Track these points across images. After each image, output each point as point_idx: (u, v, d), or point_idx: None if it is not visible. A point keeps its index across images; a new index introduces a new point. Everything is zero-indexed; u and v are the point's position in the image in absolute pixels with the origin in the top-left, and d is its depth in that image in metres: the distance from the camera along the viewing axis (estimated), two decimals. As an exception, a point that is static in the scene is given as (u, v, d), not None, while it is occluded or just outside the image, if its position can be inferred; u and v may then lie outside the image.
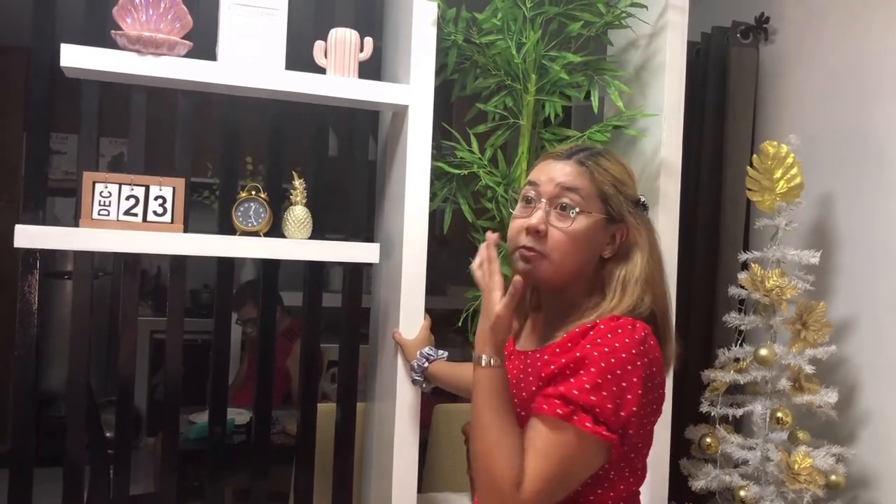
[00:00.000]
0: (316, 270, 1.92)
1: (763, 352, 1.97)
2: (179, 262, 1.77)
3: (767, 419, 1.98)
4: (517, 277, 1.05)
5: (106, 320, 3.97)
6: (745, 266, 2.11)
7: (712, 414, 2.06)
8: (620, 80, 1.88)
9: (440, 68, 1.85)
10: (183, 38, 1.63)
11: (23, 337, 1.65)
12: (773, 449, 1.95)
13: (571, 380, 1.03)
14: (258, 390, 1.89)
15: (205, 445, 1.92)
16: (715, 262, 2.47)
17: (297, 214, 1.76)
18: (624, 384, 1.02)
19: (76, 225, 1.61)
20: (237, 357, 3.66)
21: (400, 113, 1.82)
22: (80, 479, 1.71)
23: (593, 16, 1.84)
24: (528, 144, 1.86)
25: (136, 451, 3.37)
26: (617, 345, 1.04)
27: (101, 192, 1.62)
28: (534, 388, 1.11)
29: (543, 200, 1.14)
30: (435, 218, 1.80)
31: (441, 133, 1.96)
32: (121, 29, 1.59)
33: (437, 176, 1.87)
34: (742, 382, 2.03)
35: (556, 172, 1.15)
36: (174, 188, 1.67)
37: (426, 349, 1.68)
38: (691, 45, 2.18)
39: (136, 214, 1.64)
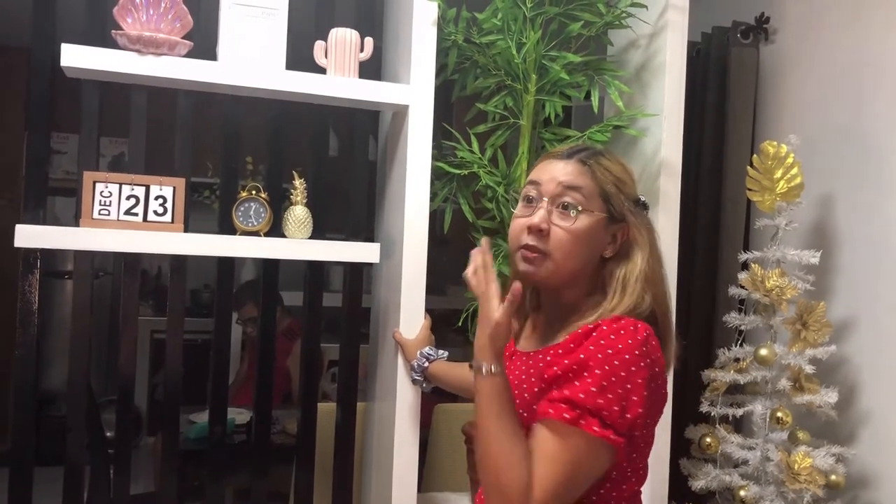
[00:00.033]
0: (316, 270, 1.92)
1: (763, 352, 1.97)
2: (180, 262, 1.77)
3: (767, 419, 1.98)
4: (516, 283, 1.04)
5: (106, 320, 3.98)
6: (745, 266, 2.11)
7: (712, 414, 2.06)
8: (621, 80, 1.88)
9: (440, 68, 1.85)
10: (183, 37, 1.63)
11: (23, 336, 1.65)
12: (773, 449, 1.95)
13: (576, 383, 1.02)
14: (258, 390, 1.89)
15: (205, 445, 1.92)
16: (715, 262, 2.47)
17: (298, 214, 1.77)
18: (629, 386, 1.02)
19: (77, 225, 1.61)
20: (237, 357, 3.66)
21: (400, 113, 1.82)
22: (81, 478, 1.71)
23: (593, 16, 1.84)
24: (528, 144, 1.87)
25: (136, 451, 3.38)
26: (620, 346, 1.03)
27: (102, 191, 1.62)
28: (536, 390, 1.10)
29: (545, 199, 1.14)
30: (435, 218, 1.80)
31: (441, 133, 1.96)
32: (121, 29, 1.59)
33: (437, 176, 1.87)
34: (742, 382, 2.03)
35: (557, 171, 1.15)
36: (174, 188, 1.67)
37: (426, 349, 1.68)
38: (691, 45, 2.18)
39: (136, 214, 1.64)
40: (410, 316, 1.74)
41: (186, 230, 1.69)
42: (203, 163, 2.62)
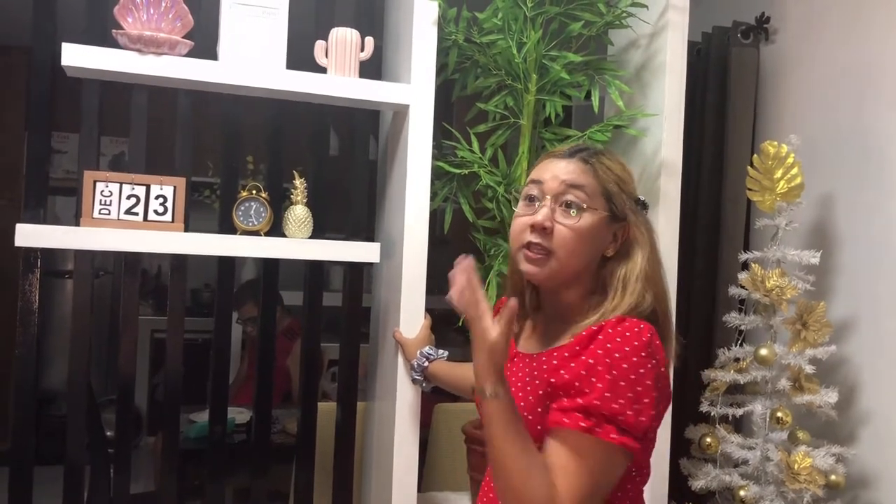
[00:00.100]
0: (316, 270, 1.92)
1: (763, 352, 1.97)
2: (180, 262, 1.77)
3: (767, 419, 1.98)
4: (512, 300, 1.02)
5: (106, 319, 3.98)
6: (745, 266, 2.11)
7: (712, 414, 2.06)
8: (621, 79, 1.88)
9: (441, 68, 1.85)
10: (184, 37, 1.64)
11: (23, 336, 1.65)
12: (773, 449, 1.95)
13: (586, 390, 1.02)
14: (258, 389, 1.89)
15: (205, 444, 1.92)
16: (715, 261, 2.47)
17: (298, 214, 1.77)
18: (639, 388, 1.02)
19: (77, 224, 1.61)
20: (237, 356, 3.66)
21: (401, 112, 1.82)
22: (81, 477, 1.71)
23: (594, 15, 1.84)
24: (528, 144, 1.87)
25: (136, 450, 3.38)
26: (627, 349, 1.03)
27: (102, 191, 1.62)
28: (540, 392, 1.10)
29: (548, 198, 1.14)
30: (435, 217, 1.80)
31: (442, 133, 1.96)
32: (122, 28, 1.59)
33: (437, 175, 1.87)
34: (742, 382, 2.03)
35: (559, 170, 1.15)
36: (175, 187, 1.67)
37: (426, 348, 1.68)
38: (692, 45, 2.19)
39: (136, 213, 1.64)
40: (410, 315, 1.74)
41: (187, 230, 1.69)
42: (203, 162, 2.62)
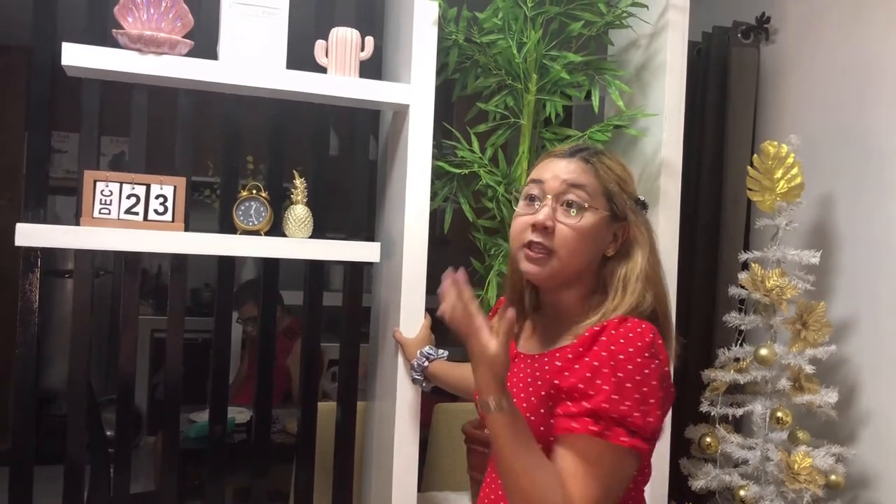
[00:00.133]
0: (316, 269, 1.92)
1: (763, 352, 1.97)
2: (180, 261, 1.77)
3: (767, 419, 1.98)
4: (510, 311, 1.00)
5: (107, 319, 3.98)
6: (745, 266, 2.11)
7: (712, 413, 2.06)
8: (621, 79, 1.88)
9: (441, 68, 1.85)
10: (184, 37, 1.64)
11: (24, 335, 1.65)
12: (773, 449, 1.95)
13: (591, 392, 1.02)
14: (258, 389, 1.89)
15: (205, 444, 1.92)
16: (715, 261, 2.47)
17: (298, 213, 1.77)
18: (645, 389, 1.02)
19: (77, 223, 1.61)
20: (237, 356, 3.66)
21: (401, 112, 1.82)
22: (81, 477, 1.72)
23: (594, 15, 1.84)
24: (528, 144, 1.87)
25: (136, 450, 3.39)
26: (631, 350, 1.03)
27: (102, 190, 1.62)
28: (543, 394, 1.10)
29: (549, 197, 1.13)
30: (435, 217, 1.80)
31: (442, 132, 1.96)
32: (122, 28, 1.59)
33: (437, 175, 1.87)
34: (742, 382, 2.03)
35: (560, 170, 1.15)
36: (175, 187, 1.67)
37: (426, 348, 1.68)
38: (692, 45, 2.19)
39: (136, 213, 1.64)
40: (410, 315, 1.74)
41: (187, 229, 1.69)
42: (204, 162, 2.62)
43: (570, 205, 1.13)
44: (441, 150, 1.94)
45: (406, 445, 1.73)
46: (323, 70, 1.74)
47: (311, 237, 1.77)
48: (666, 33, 1.91)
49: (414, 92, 1.75)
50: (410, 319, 1.74)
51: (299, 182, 1.79)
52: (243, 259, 3.74)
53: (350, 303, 1.90)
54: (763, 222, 2.10)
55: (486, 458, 1.30)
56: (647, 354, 1.04)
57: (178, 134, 1.79)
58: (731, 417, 2.06)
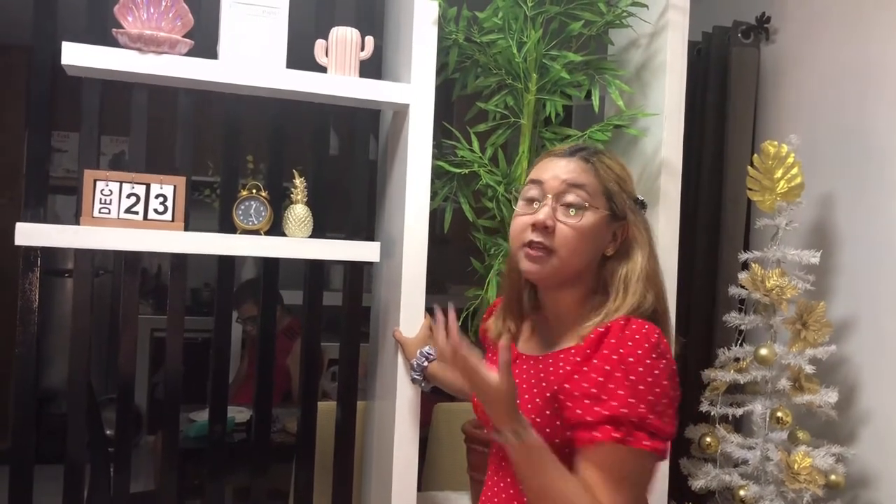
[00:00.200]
0: (316, 269, 1.92)
1: (763, 351, 1.97)
2: (180, 261, 1.77)
3: (767, 419, 1.98)
4: (502, 341, 1.01)
5: (106, 318, 3.98)
6: (745, 266, 2.11)
7: (712, 413, 2.06)
8: (621, 79, 1.88)
9: (441, 67, 1.85)
10: (184, 36, 1.63)
11: (23, 335, 1.65)
12: (773, 448, 1.95)
13: (604, 397, 1.02)
14: (258, 388, 1.89)
15: (205, 443, 1.92)
16: (715, 261, 2.47)
17: (298, 213, 1.77)
18: (657, 390, 1.03)
19: (77, 223, 1.61)
20: (237, 355, 3.66)
21: (401, 112, 1.82)
22: (81, 476, 1.72)
23: (594, 15, 1.84)
24: (528, 143, 1.87)
25: (136, 449, 3.38)
26: (639, 352, 1.03)
27: (102, 190, 1.62)
28: (548, 395, 1.10)
29: (549, 197, 1.13)
30: (435, 217, 1.80)
31: (442, 132, 1.96)
32: (122, 27, 1.59)
33: (437, 175, 1.87)
34: (742, 382, 2.03)
35: (560, 170, 1.15)
36: (175, 186, 1.67)
37: (426, 348, 1.68)
38: (692, 45, 2.18)
39: (136, 213, 1.64)
40: (410, 315, 1.74)
41: (187, 229, 1.69)
42: (203, 161, 2.62)
43: (570, 204, 1.13)
44: (441, 149, 1.94)
45: (406, 445, 1.73)
46: (323, 69, 1.74)
47: (310, 237, 1.77)
48: (666, 33, 1.91)
49: (414, 91, 1.75)
50: (410, 319, 1.74)
51: (299, 182, 1.79)
52: (243, 258, 3.74)
53: (350, 302, 1.90)
54: (763, 222, 2.10)
55: (485, 458, 1.30)
56: (654, 355, 1.04)
57: (178, 133, 1.79)
58: (731, 417, 2.06)
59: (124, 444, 1.77)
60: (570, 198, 1.13)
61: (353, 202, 1.94)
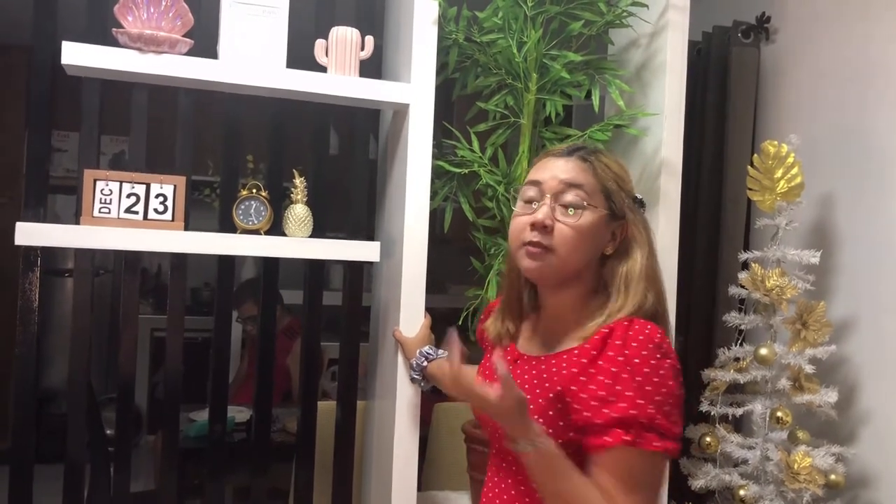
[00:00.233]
0: (316, 269, 1.92)
1: (763, 351, 1.97)
2: (180, 260, 1.77)
3: (767, 418, 1.98)
4: (496, 356, 1.01)
5: (106, 318, 3.98)
6: (745, 265, 2.11)
7: (712, 413, 2.06)
8: (621, 79, 1.88)
9: (441, 67, 1.85)
10: (184, 36, 1.63)
11: (23, 334, 1.65)
12: (773, 448, 1.95)
13: (611, 399, 1.02)
14: (258, 388, 1.89)
15: (205, 443, 1.92)
16: (715, 261, 2.47)
17: (298, 213, 1.77)
18: (664, 390, 1.03)
19: (77, 222, 1.61)
20: (237, 355, 3.66)
21: (401, 112, 1.82)
22: (81, 476, 1.72)
23: (594, 15, 1.84)
24: (528, 143, 1.87)
25: (136, 449, 3.38)
26: (644, 353, 1.04)
27: (102, 189, 1.62)
28: (551, 395, 1.09)
29: (548, 196, 1.14)
30: (435, 216, 1.80)
31: (442, 132, 1.96)
32: (122, 27, 1.59)
33: (437, 175, 1.87)
34: (742, 382, 2.03)
35: (558, 170, 1.15)
36: (175, 186, 1.67)
37: (425, 348, 1.68)
38: (692, 45, 2.18)
39: (136, 212, 1.64)
40: (410, 315, 1.74)
41: (187, 228, 1.69)
42: (203, 161, 2.62)
43: (568, 204, 1.13)
44: (441, 149, 1.94)
45: (406, 444, 1.73)
46: (323, 69, 1.74)
47: (310, 236, 1.77)
48: (666, 33, 1.91)
49: (414, 91, 1.75)
50: (410, 319, 1.74)
51: (299, 181, 1.79)
52: (243, 258, 3.74)
53: (350, 302, 1.90)
54: (763, 222, 2.10)
55: (485, 458, 1.30)
56: (658, 356, 1.04)
57: (178, 133, 1.78)
58: (730, 417, 2.06)
59: (124, 444, 1.77)
60: (569, 197, 1.13)
61: (353, 202, 1.94)
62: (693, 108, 2.37)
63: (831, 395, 1.95)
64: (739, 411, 2.04)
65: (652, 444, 1.01)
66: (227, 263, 1.83)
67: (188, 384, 1.85)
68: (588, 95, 1.88)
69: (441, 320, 1.83)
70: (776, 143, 2.03)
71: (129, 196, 1.63)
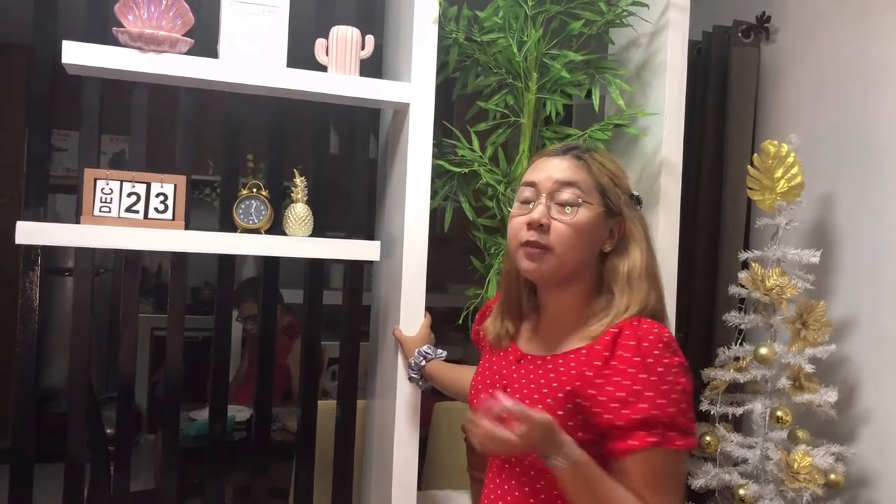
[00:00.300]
0: (317, 268, 1.92)
1: (763, 351, 1.97)
2: (180, 260, 1.77)
3: (767, 418, 1.98)
4: (510, 405, 0.98)
5: (107, 317, 3.98)
6: (745, 265, 2.11)
7: (712, 412, 2.06)
8: (621, 78, 1.88)
9: (441, 66, 1.85)
10: (184, 35, 1.64)
11: (24, 333, 1.65)
12: (773, 448, 1.95)
13: (631, 399, 1.03)
14: (258, 387, 1.89)
15: (205, 442, 1.92)
16: (715, 261, 2.47)
17: (298, 212, 1.77)
18: (679, 388, 1.05)
19: (77, 222, 1.62)
20: (238, 354, 3.66)
21: (401, 111, 1.82)
22: (81, 475, 1.72)
23: (595, 14, 1.84)
24: (528, 143, 1.87)
25: (136, 448, 3.39)
26: (656, 352, 1.05)
27: (103, 188, 1.62)
28: (560, 395, 1.09)
29: (543, 196, 1.14)
30: (436, 216, 1.80)
31: (442, 131, 1.96)
32: (122, 26, 1.59)
33: (437, 174, 1.87)
34: (742, 381, 2.03)
35: (552, 169, 1.16)
36: (175, 185, 1.67)
37: (425, 347, 1.68)
38: (692, 44, 2.18)
39: (137, 211, 1.64)
40: (410, 314, 1.74)
41: (187, 227, 1.69)
42: (204, 160, 2.62)
43: (564, 202, 1.13)
44: (441, 148, 1.94)
45: (406, 444, 1.74)
46: (323, 68, 1.74)
47: (311, 236, 1.78)
48: (666, 32, 1.91)
49: (414, 90, 1.75)
50: (410, 318, 1.74)
51: (299, 180, 1.79)
52: (243, 257, 3.73)
53: (350, 301, 1.91)
54: (763, 221, 2.10)
55: (485, 457, 1.30)
56: (669, 353, 1.06)
57: (178, 132, 1.79)
58: (730, 416, 2.06)
59: (124, 443, 1.77)
60: (564, 195, 1.13)
61: (354, 201, 1.94)
62: (693, 107, 2.37)
63: (831, 395, 1.95)
64: (739, 411, 2.04)
65: (675, 442, 1.02)
66: (228, 262, 1.83)
67: (188, 383, 1.85)
68: (588, 95, 1.88)
69: (441, 319, 1.84)
70: (776, 142, 2.03)
71: (129, 195, 1.63)
